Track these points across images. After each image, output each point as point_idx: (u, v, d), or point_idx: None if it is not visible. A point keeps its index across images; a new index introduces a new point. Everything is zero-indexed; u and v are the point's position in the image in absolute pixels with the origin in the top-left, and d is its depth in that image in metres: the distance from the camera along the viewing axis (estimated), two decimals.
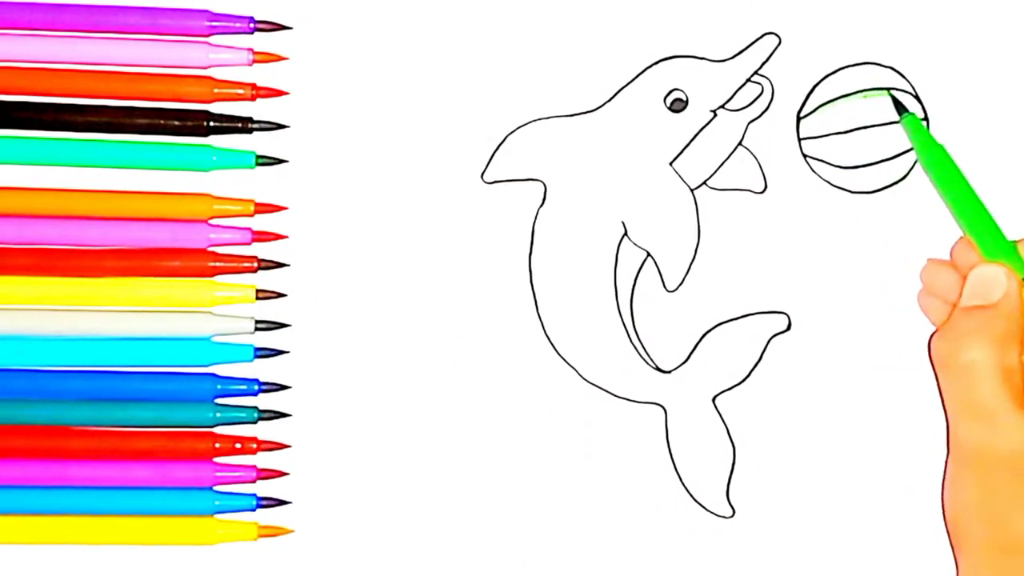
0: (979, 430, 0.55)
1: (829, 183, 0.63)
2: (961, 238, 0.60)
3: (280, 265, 0.62)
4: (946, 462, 0.58)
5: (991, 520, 0.55)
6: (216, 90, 0.62)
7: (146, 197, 0.62)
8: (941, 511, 0.58)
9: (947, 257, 0.62)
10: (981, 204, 0.59)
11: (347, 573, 0.62)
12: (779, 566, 0.62)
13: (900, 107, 0.62)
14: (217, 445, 0.61)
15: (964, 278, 0.58)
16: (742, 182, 0.63)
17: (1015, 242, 0.58)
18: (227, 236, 0.62)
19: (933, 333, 0.58)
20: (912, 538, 0.62)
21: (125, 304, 0.62)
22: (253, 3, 0.63)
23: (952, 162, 0.60)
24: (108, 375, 0.61)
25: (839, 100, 0.63)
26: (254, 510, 0.61)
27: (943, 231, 0.62)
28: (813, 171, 0.63)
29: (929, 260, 0.61)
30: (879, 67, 0.63)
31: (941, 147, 0.60)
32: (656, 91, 0.63)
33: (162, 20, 0.62)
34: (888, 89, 0.63)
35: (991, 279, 0.57)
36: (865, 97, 0.63)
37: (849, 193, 0.63)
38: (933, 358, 0.57)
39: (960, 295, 0.58)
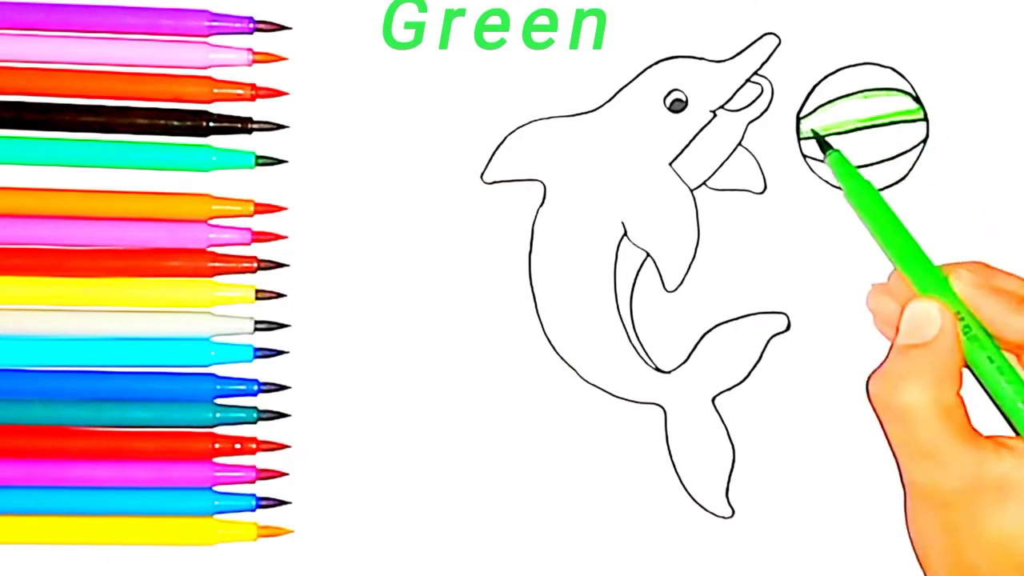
0: (925, 469, 0.55)
1: (829, 183, 0.63)
2: (895, 270, 0.59)
3: (280, 265, 0.62)
4: (904, 497, 0.58)
5: (949, 551, 0.56)
6: (216, 90, 0.62)
7: (146, 197, 0.62)
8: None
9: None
10: (910, 237, 0.58)
11: (347, 573, 0.62)
12: (779, 566, 0.62)
13: (824, 144, 0.61)
14: (217, 445, 0.61)
15: (903, 308, 0.57)
16: (742, 182, 0.63)
17: (946, 270, 0.57)
18: (227, 236, 0.62)
19: (871, 374, 0.57)
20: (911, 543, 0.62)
21: (125, 304, 0.62)
22: (253, 3, 0.63)
23: (879, 197, 0.59)
24: (108, 375, 0.61)
25: (839, 100, 0.63)
26: (254, 510, 0.61)
27: (943, 231, 0.62)
28: (813, 171, 0.63)
29: (873, 286, 0.61)
30: (879, 67, 0.63)
31: (867, 182, 0.59)
32: (656, 91, 0.63)
33: (162, 20, 0.62)
34: (890, 89, 0.63)
35: (924, 317, 0.56)
36: (865, 97, 0.63)
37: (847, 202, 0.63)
38: (871, 400, 0.57)
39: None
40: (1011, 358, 0.57)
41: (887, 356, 0.58)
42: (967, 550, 0.55)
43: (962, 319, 0.56)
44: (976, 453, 0.55)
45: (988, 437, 0.56)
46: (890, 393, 0.56)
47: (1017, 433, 0.56)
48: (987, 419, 0.57)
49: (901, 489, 0.62)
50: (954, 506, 0.55)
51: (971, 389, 0.57)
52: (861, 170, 0.63)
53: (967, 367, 0.57)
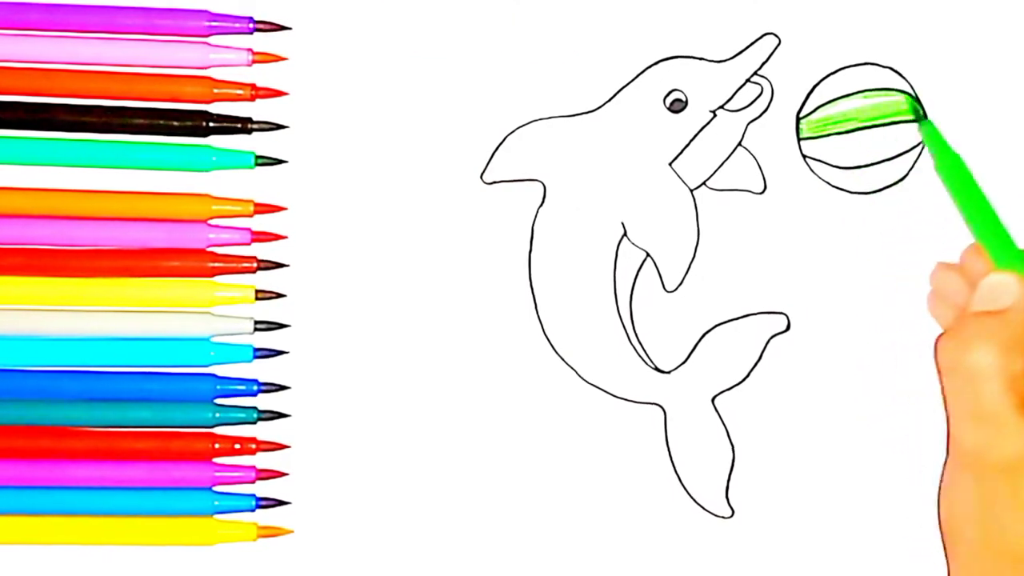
0: (981, 434, 0.55)
1: (829, 183, 0.63)
2: (971, 245, 0.60)
3: (279, 265, 0.62)
4: (944, 463, 0.58)
5: (986, 525, 0.55)
6: (215, 90, 0.62)
7: (145, 197, 0.62)
8: (936, 511, 0.58)
9: (948, 258, 0.62)
10: (994, 213, 0.58)
11: (347, 573, 0.62)
12: (778, 566, 0.62)
13: (919, 114, 0.62)
14: (216, 445, 0.61)
15: (972, 285, 0.57)
16: (742, 182, 0.63)
17: None
18: (226, 236, 0.62)
19: (940, 335, 0.58)
20: (911, 538, 0.62)
21: (125, 304, 0.62)
22: (253, 3, 0.63)
23: (967, 170, 0.59)
24: (108, 375, 0.61)
25: (839, 100, 0.63)
26: (253, 510, 0.61)
27: (943, 231, 0.62)
28: (813, 171, 0.63)
29: (938, 264, 0.61)
30: (879, 67, 0.63)
31: (957, 155, 0.60)
32: (656, 91, 0.63)
33: (161, 20, 0.62)
34: (890, 90, 0.63)
35: (1002, 286, 0.56)
36: (865, 97, 0.63)
37: (848, 193, 0.63)
38: (939, 360, 0.57)
39: (968, 301, 0.57)
40: None
41: (956, 321, 0.58)
42: (1006, 524, 0.55)
43: None
44: None
45: None
46: (960, 352, 0.55)
47: None
48: None
49: (900, 489, 0.62)
50: (999, 476, 0.55)
51: None
52: (861, 170, 0.63)
53: None
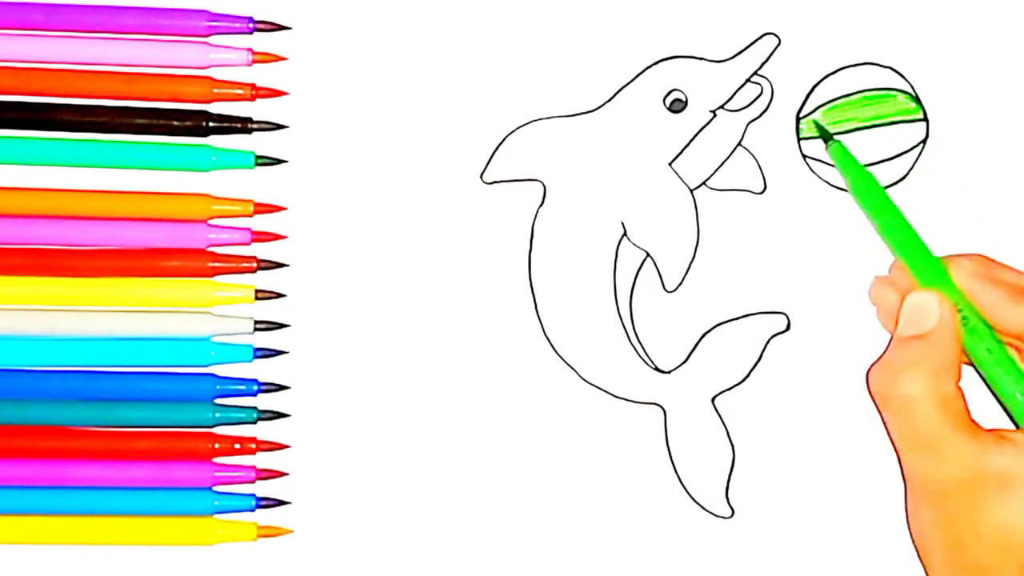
0: (925, 461, 0.55)
1: (829, 183, 0.63)
2: (895, 261, 0.59)
3: (279, 265, 0.62)
4: (905, 490, 0.58)
5: (950, 545, 0.56)
6: (215, 90, 0.62)
7: (145, 197, 0.62)
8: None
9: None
10: (910, 228, 0.58)
11: (347, 573, 0.62)
12: (778, 566, 0.62)
13: (825, 135, 0.61)
14: (216, 445, 0.61)
15: (902, 297, 0.57)
16: (742, 182, 0.63)
17: (946, 261, 0.57)
18: (226, 236, 0.62)
19: (870, 367, 0.57)
20: (911, 538, 0.62)
21: (125, 304, 0.62)
22: (253, 3, 0.63)
23: (880, 188, 0.59)
24: (108, 375, 0.61)
25: (839, 101, 0.63)
26: (253, 510, 0.61)
27: (942, 231, 0.62)
28: (813, 171, 0.63)
29: (875, 278, 0.60)
30: (879, 67, 0.63)
31: (868, 174, 0.59)
32: (656, 91, 0.63)
33: (161, 20, 0.62)
34: (889, 90, 0.63)
35: (923, 308, 0.56)
36: (865, 98, 0.63)
37: (849, 193, 0.63)
38: (871, 392, 0.57)
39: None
40: (1011, 351, 0.57)
41: (887, 348, 0.58)
42: (967, 544, 0.55)
43: (961, 310, 0.56)
44: (976, 445, 0.55)
45: (988, 430, 0.56)
46: (889, 384, 0.56)
47: (1017, 426, 0.56)
48: (987, 413, 0.57)
49: (899, 489, 0.62)
50: (954, 499, 0.55)
51: (972, 383, 0.57)
52: None
53: (966, 359, 0.57)
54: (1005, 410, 0.57)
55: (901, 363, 0.56)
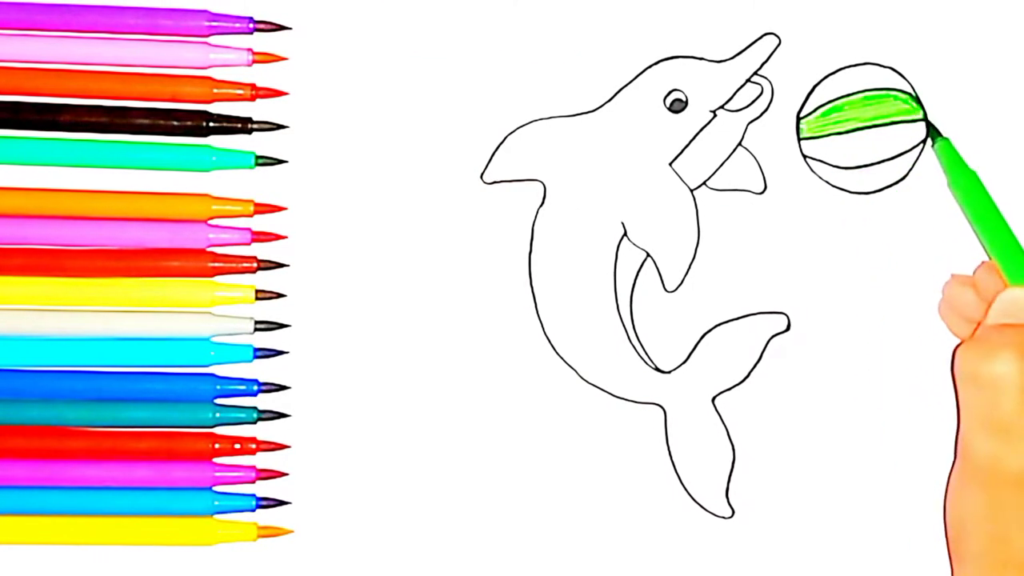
0: (994, 444, 0.55)
1: (829, 183, 0.63)
2: (984, 262, 0.60)
3: (280, 265, 0.62)
4: (952, 468, 0.58)
5: (994, 535, 0.55)
6: (215, 90, 0.62)
7: (145, 197, 0.62)
8: (943, 516, 0.58)
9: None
10: (1009, 230, 0.59)
11: (347, 573, 0.62)
12: (779, 566, 0.62)
13: (934, 132, 0.62)
14: (217, 445, 0.61)
15: (985, 300, 0.58)
16: (742, 182, 0.63)
17: None
18: (226, 236, 0.62)
19: (959, 345, 0.58)
20: (911, 538, 0.62)
21: (125, 304, 0.62)
22: (253, 3, 0.63)
23: (983, 187, 0.60)
24: (108, 375, 0.61)
25: (839, 101, 0.63)
26: (254, 510, 0.61)
27: (942, 231, 0.62)
28: (813, 171, 0.63)
29: (953, 276, 0.61)
30: (879, 67, 0.63)
31: (973, 172, 0.60)
32: (656, 91, 0.63)
33: (161, 20, 0.62)
34: (890, 90, 0.63)
35: (1020, 302, 0.57)
36: (865, 98, 0.63)
37: (849, 193, 0.63)
38: (958, 368, 0.57)
39: (984, 315, 0.58)
40: None
41: (976, 331, 0.58)
42: (1011, 538, 0.55)
43: None
44: None
45: None
46: (983, 361, 0.56)
47: None
48: None
49: (900, 489, 0.62)
50: (1011, 487, 0.55)
51: None
52: (861, 170, 0.63)
53: None
54: None
55: (997, 343, 0.56)
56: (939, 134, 0.62)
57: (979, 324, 0.58)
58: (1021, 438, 0.55)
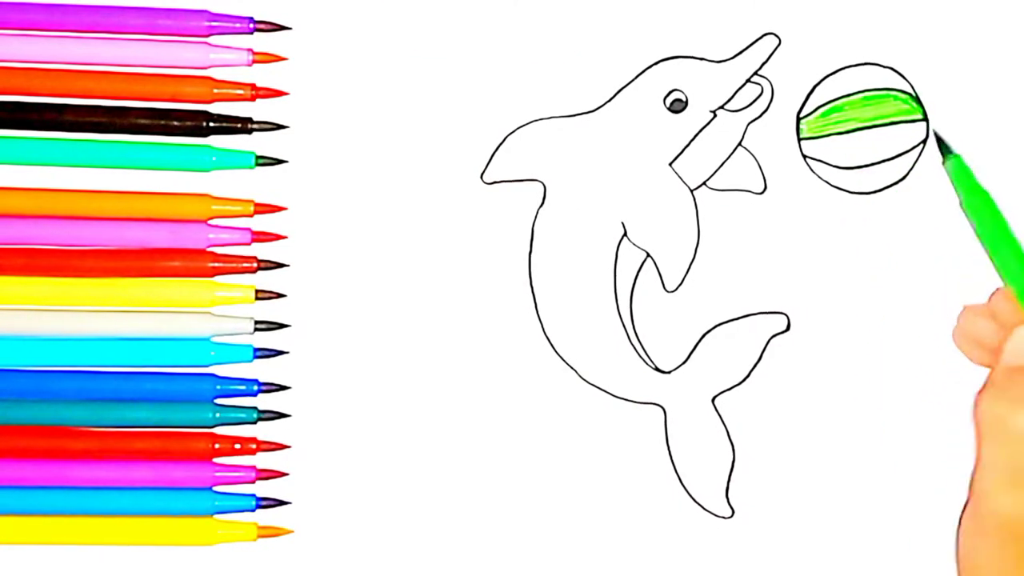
0: (1017, 499, 0.53)
1: (829, 183, 0.63)
2: (999, 289, 0.58)
3: (280, 265, 0.62)
4: (964, 510, 0.56)
5: None
6: (216, 90, 0.62)
7: (145, 197, 0.62)
8: (955, 553, 0.57)
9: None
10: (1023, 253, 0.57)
11: (347, 573, 0.62)
12: (779, 566, 0.62)
13: (945, 149, 0.60)
14: (217, 445, 0.61)
15: (1004, 327, 0.56)
16: (742, 182, 0.63)
17: None
18: (226, 236, 0.62)
19: (981, 391, 0.55)
20: (911, 538, 0.62)
21: (125, 304, 0.62)
22: (253, 3, 0.63)
23: (997, 209, 0.58)
24: (108, 375, 0.61)
25: (839, 101, 0.63)
26: (254, 510, 0.61)
27: (942, 231, 0.62)
28: (813, 171, 0.63)
29: (966, 307, 0.59)
30: (879, 67, 0.63)
31: (986, 193, 0.58)
32: (656, 91, 0.63)
33: (161, 20, 0.62)
34: (890, 90, 0.63)
35: None
36: (865, 98, 0.63)
37: (849, 194, 0.63)
38: (981, 419, 0.54)
39: (1001, 346, 0.55)
40: None
41: (992, 374, 0.56)
42: None
43: None
44: None
45: None
46: (1007, 412, 0.53)
47: None
48: None
49: (900, 489, 0.62)
50: None
51: None
52: (861, 170, 0.63)
53: None
54: None
55: (1019, 395, 0.54)
56: (950, 150, 0.60)
57: (995, 358, 0.56)
58: None
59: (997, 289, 0.58)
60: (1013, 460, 0.53)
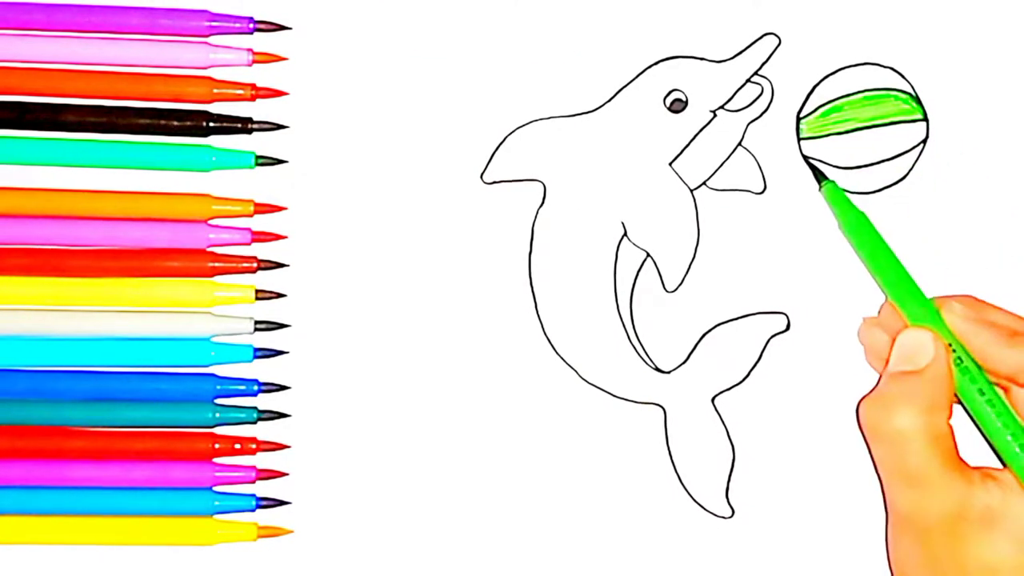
0: (912, 495, 0.56)
1: None
2: (887, 301, 0.60)
3: (280, 265, 0.62)
4: (886, 523, 0.58)
5: None
6: (216, 90, 0.62)
7: (145, 197, 0.62)
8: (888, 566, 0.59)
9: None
10: (903, 269, 0.59)
11: (347, 573, 0.62)
12: (778, 566, 0.62)
13: (819, 175, 0.62)
14: (217, 445, 0.61)
15: (891, 336, 0.58)
16: (742, 182, 0.63)
17: (938, 302, 0.58)
18: (226, 236, 0.62)
19: (862, 399, 0.57)
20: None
21: (125, 304, 0.62)
22: (253, 3, 0.63)
23: (872, 228, 0.59)
24: (108, 375, 0.61)
25: (839, 101, 0.63)
26: (254, 510, 0.61)
27: (942, 231, 0.62)
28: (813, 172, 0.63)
29: (864, 320, 0.61)
30: (879, 67, 0.63)
31: (861, 213, 0.60)
32: (656, 91, 0.63)
33: (162, 20, 0.62)
34: (889, 90, 0.63)
35: (918, 344, 0.57)
36: (865, 98, 0.63)
37: (849, 193, 0.63)
38: (862, 424, 0.57)
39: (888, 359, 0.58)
40: (1000, 391, 0.57)
41: (878, 382, 0.58)
42: None
43: (954, 351, 0.57)
44: (962, 482, 0.55)
45: (975, 468, 0.56)
46: (882, 416, 0.56)
47: (1004, 465, 0.56)
48: (974, 451, 0.58)
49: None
50: (938, 535, 0.55)
51: (959, 420, 0.57)
52: (861, 170, 0.63)
53: (956, 399, 0.57)
54: (994, 450, 0.57)
55: (895, 396, 0.56)
56: (824, 176, 0.61)
57: (880, 376, 0.58)
58: (935, 485, 0.55)
59: (885, 301, 0.60)
60: (900, 461, 0.56)
